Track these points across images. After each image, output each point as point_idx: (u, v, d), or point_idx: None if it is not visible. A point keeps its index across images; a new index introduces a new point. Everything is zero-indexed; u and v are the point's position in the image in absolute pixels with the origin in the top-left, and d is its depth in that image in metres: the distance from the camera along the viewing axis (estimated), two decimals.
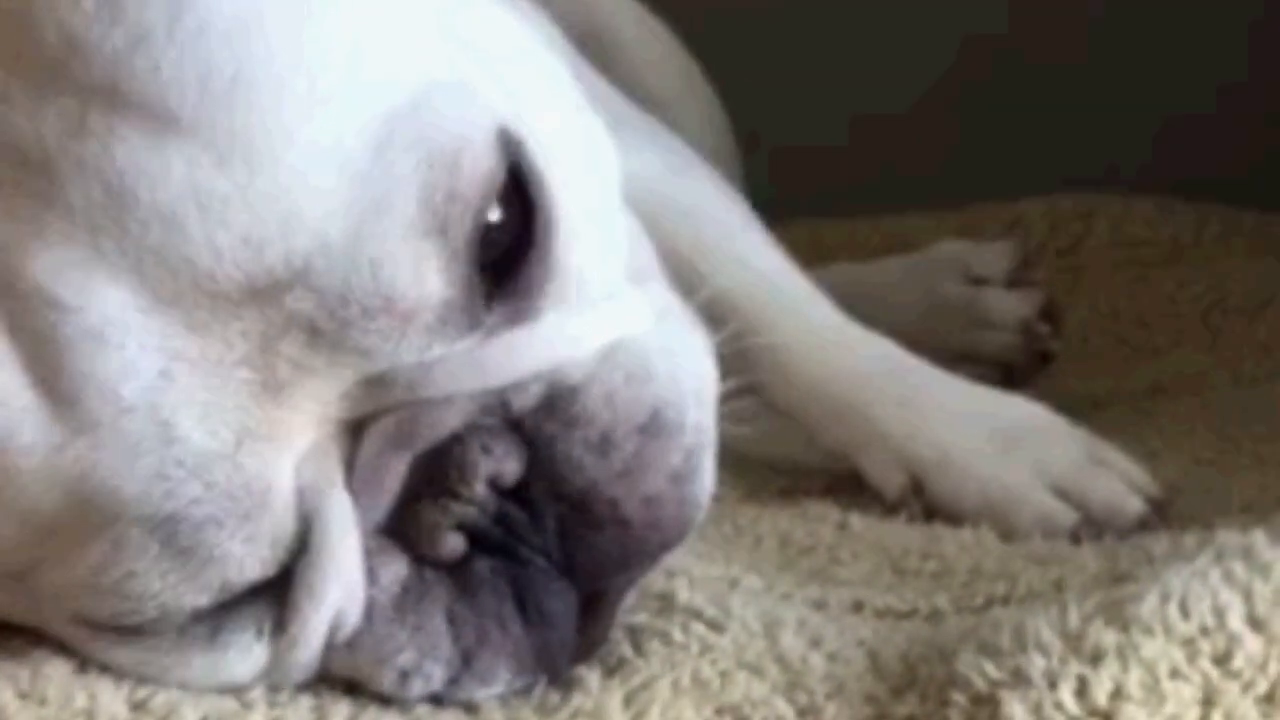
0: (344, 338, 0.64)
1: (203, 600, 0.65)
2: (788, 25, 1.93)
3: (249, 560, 0.65)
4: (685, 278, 0.90)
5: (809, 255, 1.13)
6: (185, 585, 0.65)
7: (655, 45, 1.47)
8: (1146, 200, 1.65)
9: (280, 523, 0.65)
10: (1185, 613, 0.68)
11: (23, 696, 0.66)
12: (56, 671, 0.68)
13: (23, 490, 0.64)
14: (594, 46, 1.22)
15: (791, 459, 1.09)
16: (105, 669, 0.69)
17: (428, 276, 0.65)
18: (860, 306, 1.11)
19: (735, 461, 1.07)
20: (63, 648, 0.69)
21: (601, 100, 1.10)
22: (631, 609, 0.75)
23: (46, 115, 0.64)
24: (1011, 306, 1.33)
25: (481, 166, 0.66)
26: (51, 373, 0.64)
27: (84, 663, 0.69)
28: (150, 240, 0.63)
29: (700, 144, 1.24)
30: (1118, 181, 1.71)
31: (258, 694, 0.69)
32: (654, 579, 0.78)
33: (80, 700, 0.67)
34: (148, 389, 0.63)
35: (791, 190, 1.48)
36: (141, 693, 0.68)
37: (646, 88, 1.31)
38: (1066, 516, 0.97)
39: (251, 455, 0.64)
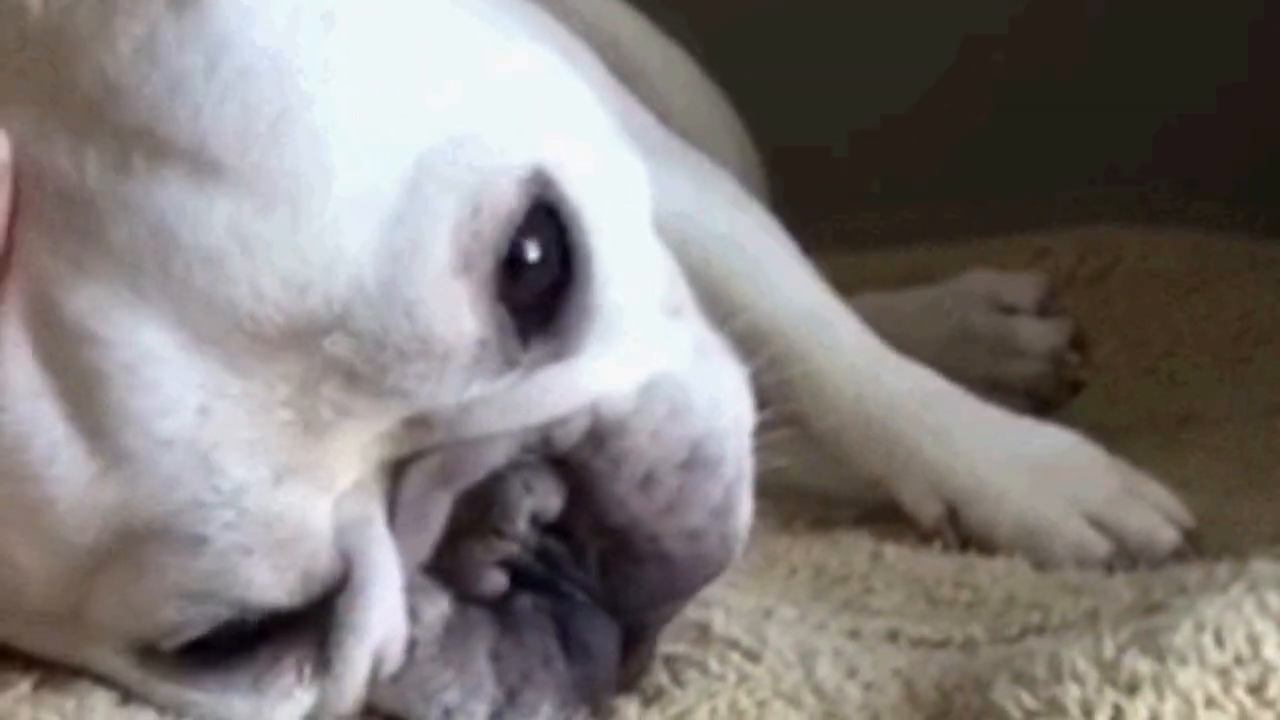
0: (382, 380, 0.65)
1: (222, 613, 0.65)
2: (786, 27, 1.92)
3: (275, 589, 0.65)
4: (723, 307, 0.91)
5: (835, 285, 1.13)
6: (207, 601, 0.65)
7: (680, 74, 1.47)
8: (1174, 230, 1.65)
9: (314, 557, 0.66)
10: (1220, 642, 0.68)
11: None
12: (100, 702, 0.69)
13: (61, 521, 0.65)
14: (618, 76, 1.22)
15: (825, 488, 1.09)
16: (148, 700, 0.69)
17: (462, 316, 0.65)
18: (889, 334, 1.11)
19: (768, 491, 1.07)
20: (106, 679, 0.70)
21: (641, 130, 1.11)
22: (669, 638, 0.76)
23: (88, 156, 0.65)
24: (1041, 335, 1.33)
25: (503, 206, 0.67)
26: (90, 407, 0.64)
27: (127, 694, 0.69)
28: (193, 281, 0.64)
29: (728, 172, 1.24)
30: (1117, 182, 1.71)
31: None
32: (690, 608, 0.77)
33: None
34: (187, 425, 0.64)
35: (791, 191, 1.48)
36: None
37: (673, 117, 1.31)
38: (1101, 546, 0.97)
39: (289, 491, 0.65)
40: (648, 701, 0.72)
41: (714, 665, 0.74)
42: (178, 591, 0.65)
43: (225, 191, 0.64)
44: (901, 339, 1.13)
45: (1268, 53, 1.84)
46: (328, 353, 0.64)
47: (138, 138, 0.65)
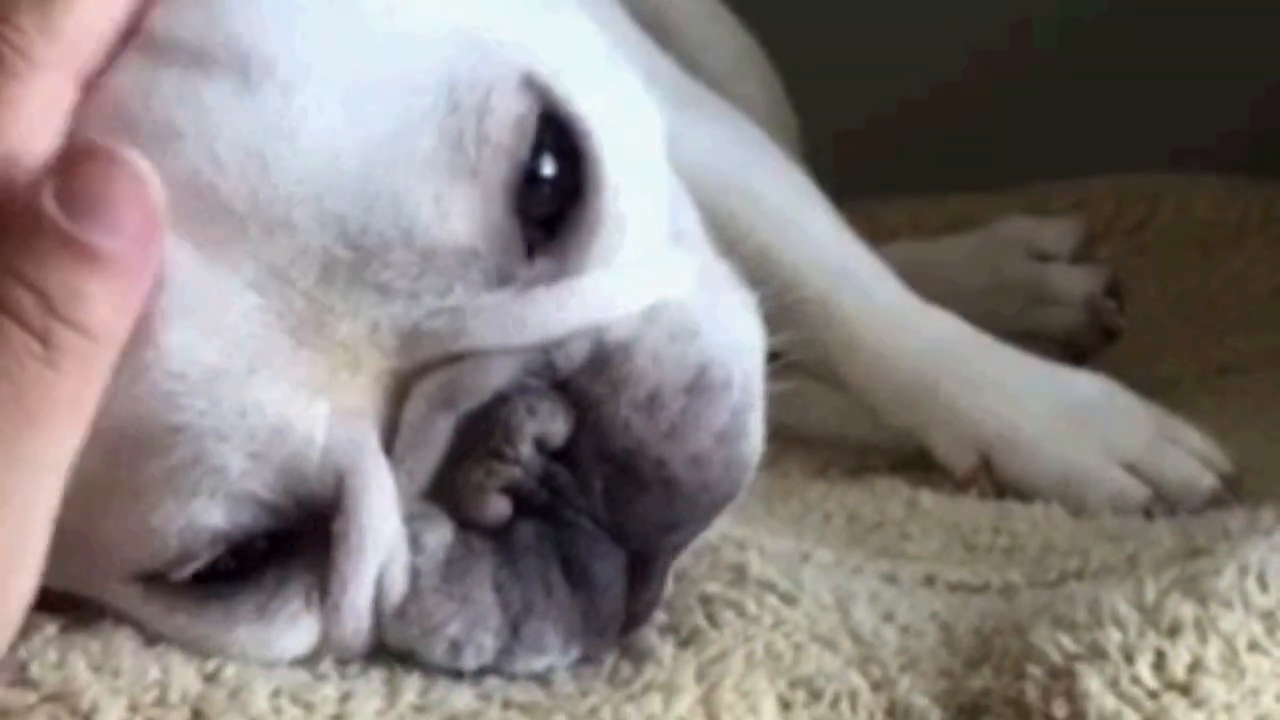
0: (359, 271, 0.63)
1: (215, 519, 0.64)
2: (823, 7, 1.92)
3: (253, 480, 0.64)
4: (752, 257, 0.90)
5: (870, 236, 1.13)
6: (192, 501, 0.64)
7: (713, 25, 1.46)
8: (1213, 179, 1.64)
9: (299, 460, 0.64)
10: (1264, 586, 0.68)
11: (96, 669, 0.66)
12: (128, 644, 0.68)
13: None
14: (651, 27, 1.21)
15: (860, 436, 1.09)
16: (175, 642, 0.68)
17: (452, 217, 0.64)
18: (923, 284, 1.10)
19: (803, 440, 1.07)
20: (133, 621, 0.69)
21: (669, 81, 1.10)
22: (704, 577, 0.75)
23: None
24: (1077, 283, 1.32)
25: (511, 110, 0.66)
26: None
27: (154, 635, 0.68)
28: (149, 153, 0.62)
29: (760, 123, 1.23)
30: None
31: (329, 666, 0.69)
32: (726, 550, 0.77)
33: (153, 673, 0.66)
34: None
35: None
36: (211, 665, 0.67)
37: (704, 67, 1.30)
38: (1138, 492, 0.96)
39: (266, 383, 0.64)
40: (683, 643, 0.71)
41: (751, 607, 0.73)
42: (164, 489, 0.64)
43: (174, 66, 0.63)
44: (936, 288, 1.13)
45: None
46: (300, 236, 0.63)
47: None
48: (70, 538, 0.65)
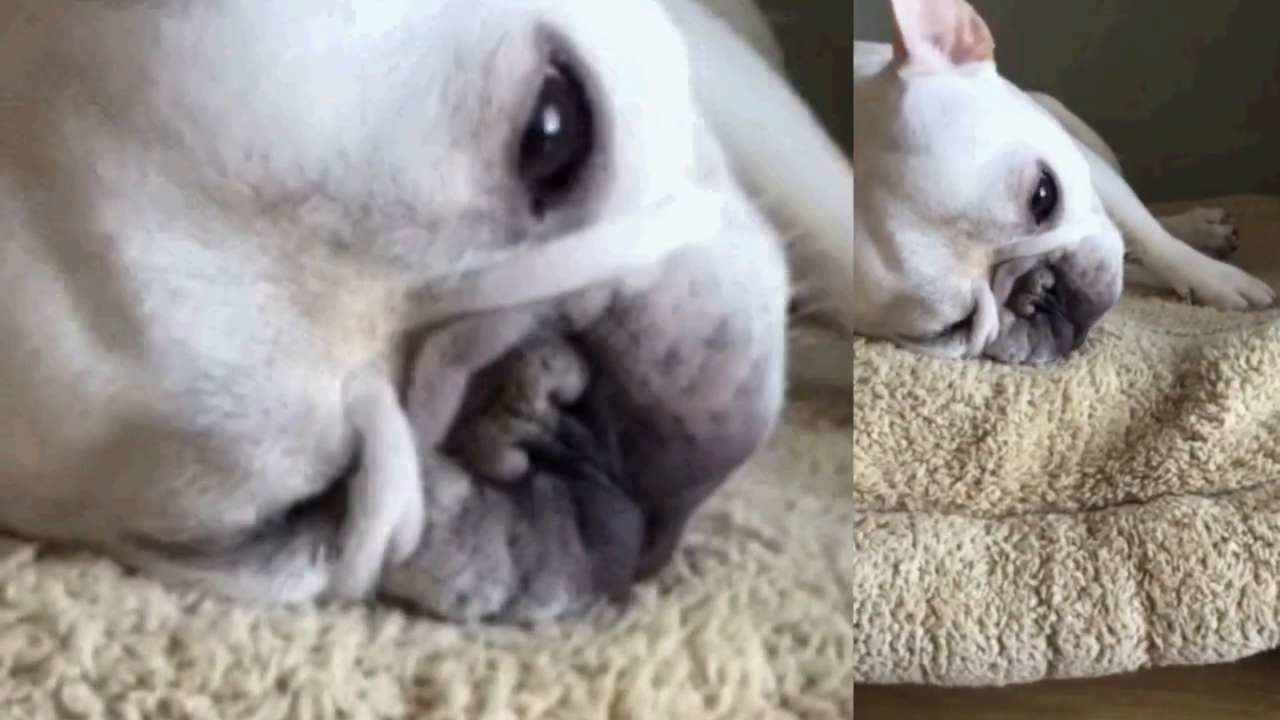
0: (370, 248, 0.62)
1: (248, 517, 0.63)
2: None
3: (293, 476, 0.63)
4: (744, 185, 0.89)
5: None
6: (226, 502, 0.63)
7: None
8: None
9: (326, 438, 0.63)
10: None
11: (73, 595, 0.65)
12: (106, 572, 0.67)
13: (59, 414, 0.62)
14: None
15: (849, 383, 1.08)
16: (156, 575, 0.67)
17: (453, 183, 0.62)
18: None
19: (792, 387, 1.06)
20: None
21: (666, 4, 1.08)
22: (687, 530, 0.74)
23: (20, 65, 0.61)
24: None
25: (520, 67, 0.64)
26: (85, 297, 0.62)
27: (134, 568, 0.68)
28: (152, 158, 0.60)
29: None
30: None
31: (309, 602, 0.68)
32: (710, 500, 0.76)
33: (131, 601, 0.66)
34: (159, 307, 0.61)
35: None
36: (192, 596, 0.67)
37: None
38: None
39: (287, 370, 0.62)
40: (666, 590, 0.71)
41: (734, 554, 0.72)
42: (191, 490, 0.63)
43: (169, 66, 0.60)
44: None
45: None
46: (306, 221, 0.61)
47: None
48: (68, 500, 0.64)
